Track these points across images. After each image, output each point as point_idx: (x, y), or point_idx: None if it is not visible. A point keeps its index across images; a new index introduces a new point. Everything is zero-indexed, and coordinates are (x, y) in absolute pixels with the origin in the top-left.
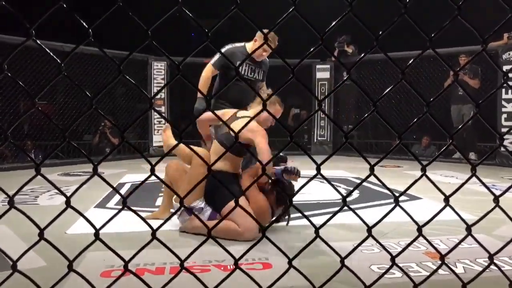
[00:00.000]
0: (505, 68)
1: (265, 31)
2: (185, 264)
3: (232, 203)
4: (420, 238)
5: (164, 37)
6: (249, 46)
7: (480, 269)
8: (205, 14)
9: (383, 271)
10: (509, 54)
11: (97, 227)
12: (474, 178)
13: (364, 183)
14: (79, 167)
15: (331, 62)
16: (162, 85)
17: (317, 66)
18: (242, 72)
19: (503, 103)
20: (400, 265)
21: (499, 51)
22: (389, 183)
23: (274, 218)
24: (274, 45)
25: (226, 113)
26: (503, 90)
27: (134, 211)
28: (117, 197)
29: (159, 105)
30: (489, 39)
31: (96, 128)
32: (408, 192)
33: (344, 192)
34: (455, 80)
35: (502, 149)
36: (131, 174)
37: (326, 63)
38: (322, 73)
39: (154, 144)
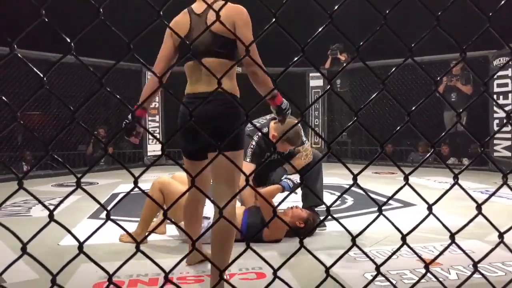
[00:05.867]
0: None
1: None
2: (179, 275)
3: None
4: (415, 245)
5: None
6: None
7: (474, 275)
8: None
9: (378, 279)
10: (499, 60)
11: (89, 238)
12: (469, 184)
13: (359, 190)
14: (74, 177)
15: (325, 70)
16: (157, 95)
17: (311, 74)
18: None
19: (495, 109)
20: (394, 272)
21: (490, 57)
22: (382, 190)
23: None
24: (293, 144)
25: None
26: (495, 96)
27: (118, 224)
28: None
29: (154, 114)
30: (467, 48)
31: (90, 138)
32: (402, 199)
33: (339, 199)
34: (434, 90)
35: (496, 154)
36: (125, 184)
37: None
38: (316, 81)
39: (149, 154)
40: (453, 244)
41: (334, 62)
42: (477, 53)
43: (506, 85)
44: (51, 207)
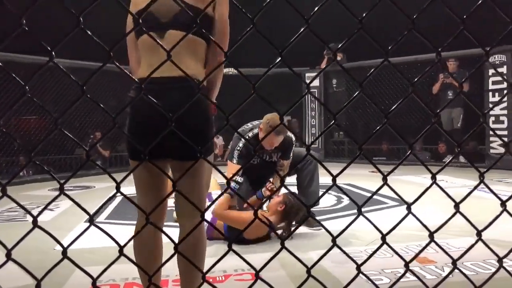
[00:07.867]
0: (491, 71)
1: (269, 118)
2: (175, 277)
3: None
4: (409, 243)
5: None
6: (260, 135)
7: (467, 272)
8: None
9: (371, 277)
10: (494, 57)
11: (85, 241)
12: (465, 181)
13: (355, 190)
14: (71, 181)
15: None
16: None
17: (307, 74)
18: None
19: (491, 106)
20: (389, 270)
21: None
22: (376, 188)
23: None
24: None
25: None
26: (490, 93)
27: (101, 229)
28: (107, 212)
29: None
30: (443, 49)
31: (87, 142)
32: (397, 197)
33: (334, 198)
34: (411, 93)
35: (492, 151)
36: (122, 188)
37: (315, 71)
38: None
39: None
40: (449, 242)
41: (330, 62)
42: (473, 51)
43: (501, 82)
44: (50, 212)
